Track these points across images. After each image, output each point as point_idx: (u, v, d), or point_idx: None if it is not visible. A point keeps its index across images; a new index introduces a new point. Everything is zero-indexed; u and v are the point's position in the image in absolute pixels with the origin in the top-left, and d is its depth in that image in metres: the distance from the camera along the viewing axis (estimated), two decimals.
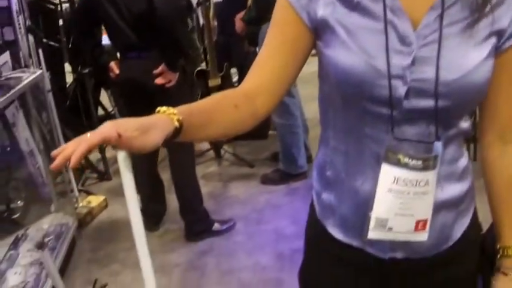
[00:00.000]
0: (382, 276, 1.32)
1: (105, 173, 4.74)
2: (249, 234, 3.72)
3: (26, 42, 4.14)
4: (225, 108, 1.20)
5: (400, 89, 1.12)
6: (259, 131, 4.98)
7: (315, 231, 1.39)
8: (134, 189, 1.05)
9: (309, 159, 4.40)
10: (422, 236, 1.21)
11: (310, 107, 3.51)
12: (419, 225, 1.19)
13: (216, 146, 4.90)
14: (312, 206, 1.40)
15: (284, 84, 1.26)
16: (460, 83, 1.10)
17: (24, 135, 3.87)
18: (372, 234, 1.19)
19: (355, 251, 1.29)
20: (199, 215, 3.71)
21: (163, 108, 1.04)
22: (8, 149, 3.97)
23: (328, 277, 1.40)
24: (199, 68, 4.66)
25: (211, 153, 4.97)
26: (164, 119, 1.03)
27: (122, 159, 1.01)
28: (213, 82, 4.53)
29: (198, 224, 3.69)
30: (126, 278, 3.33)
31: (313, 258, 1.45)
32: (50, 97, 3.96)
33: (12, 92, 3.24)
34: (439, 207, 1.22)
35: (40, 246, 2.83)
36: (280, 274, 3.25)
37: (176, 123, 1.03)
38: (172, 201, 3.93)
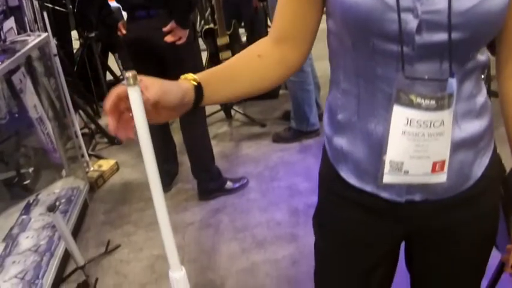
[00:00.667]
0: (399, 219, 1.26)
1: (116, 137, 4.64)
2: (262, 191, 3.64)
3: (30, 7, 4.03)
4: (247, 60, 1.18)
5: (411, 22, 1.02)
6: (269, 91, 4.85)
7: (328, 175, 1.32)
8: (147, 128, 1.01)
9: (321, 117, 4.27)
10: (441, 178, 1.13)
11: (321, 65, 3.39)
12: (437, 166, 1.12)
13: (226, 106, 4.80)
14: (324, 149, 1.34)
15: (308, 28, 1.19)
16: (474, 12, 1.00)
17: (32, 101, 3.79)
18: (388, 178, 1.12)
19: (369, 196, 1.23)
20: (212, 174, 3.62)
21: (182, 76, 1.08)
22: (17, 115, 3.91)
23: (342, 220, 1.34)
24: (207, 27, 4.53)
25: (222, 114, 4.87)
26: (180, 81, 1.08)
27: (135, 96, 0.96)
28: (222, 41, 4.40)
29: (211, 183, 3.62)
30: (139, 238, 3.28)
31: (327, 202, 1.39)
32: (57, 62, 3.86)
33: (17, 55, 3.15)
34: (458, 146, 1.14)
35: (51, 208, 2.78)
36: (294, 229, 3.18)
37: (193, 82, 1.07)
38: (184, 162, 3.85)
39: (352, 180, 1.26)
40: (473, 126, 1.17)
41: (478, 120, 1.18)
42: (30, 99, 3.78)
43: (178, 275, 1.15)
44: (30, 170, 3.94)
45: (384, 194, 1.22)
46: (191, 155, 3.62)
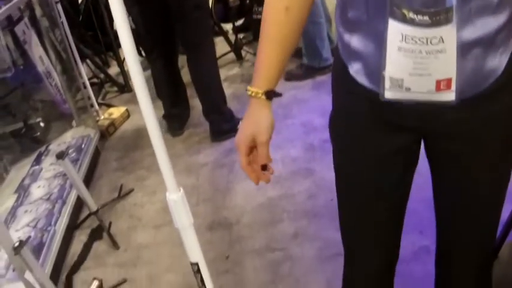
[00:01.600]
0: (412, 117, 1.13)
1: (125, 85, 4.54)
2: (276, 129, 3.40)
3: None
4: (279, 22, 1.14)
5: None
6: None
7: (339, 72, 1.20)
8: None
9: (333, 52, 4.09)
10: (448, 96, 1.01)
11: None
12: (441, 85, 1.00)
13: (236, 48, 4.62)
14: (336, 47, 1.22)
15: None
16: None
17: (37, 52, 3.66)
18: (389, 94, 1.04)
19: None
20: (224, 115, 3.48)
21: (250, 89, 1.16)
22: (22, 67, 3.80)
23: (356, 117, 1.22)
24: None
25: (232, 56, 4.70)
26: (258, 107, 1.17)
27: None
28: None
29: (223, 124, 3.48)
30: (152, 182, 3.18)
31: (340, 102, 1.27)
32: (59, 9, 3.71)
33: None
34: (473, 45, 0.99)
35: (60, 155, 2.68)
36: (310, 164, 3.05)
37: (263, 97, 1.16)
38: (195, 106, 3.72)
39: (361, 79, 1.13)
40: (489, 24, 1.01)
41: (495, 16, 1.02)
42: (36, 50, 3.64)
43: (175, 196, 1.05)
44: (40, 122, 3.84)
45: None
46: (202, 96, 3.48)
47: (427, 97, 1.02)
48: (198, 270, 1.08)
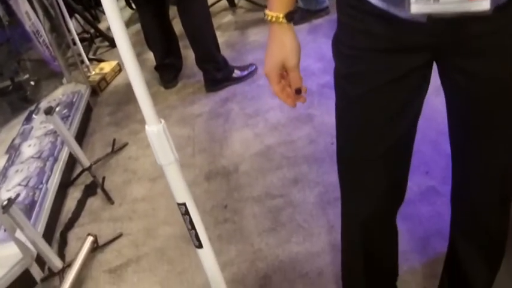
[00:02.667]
0: (427, 33, 0.98)
1: None
2: None
3: None
4: None
5: None
6: None
7: None
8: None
9: None
10: (482, 5, 0.87)
11: None
12: None
13: None
14: None
15: None
16: None
17: (23, 8, 3.49)
18: (415, 8, 0.90)
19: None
20: (218, 64, 3.32)
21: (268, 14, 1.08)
22: (7, 23, 3.64)
23: (363, 37, 1.07)
24: None
25: (225, 3, 4.51)
26: (281, 32, 1.10)
27: None
28: None
29: (218, 73, 3.32)
30: (146, 136, 3.04)
31: (345, 20, 1.11)
32: None
33: None
34: None
35: (48, 111, 2.55)
36: (309, 110, 2.90)
37: (283, 20, 1.08)
38: (188, 56, 3.57)
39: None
40: None
41: None
42: (22, 6, 3.48)
43: (156, 128, 0.92)
44: (30, 81, 3.70)
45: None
46: (194, 45, 3.31)
47: (458, 8, 0.88)
48: (186, 212, 0.95)
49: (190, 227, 0.98)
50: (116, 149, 2.97)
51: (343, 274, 1.53)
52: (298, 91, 1.17)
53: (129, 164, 2.84)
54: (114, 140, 3.01)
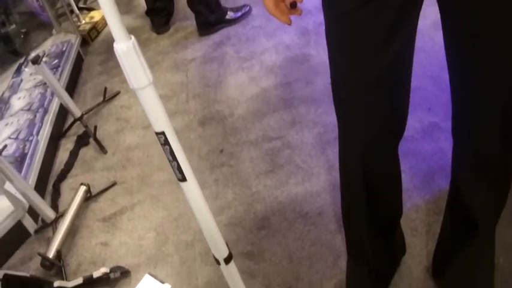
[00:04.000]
0: None
1: None
2: (267, 17, 3.16)
3: None
4: None
5: None
6: None
7: None
8: None
9: None
10: None
11: None
12: None
13: None
14: None
15: None
16: None
17: None
18: None
19: None
20: (210, 6, 3.17)
21: None
22: None
23: None
24: None
25: None
26: None
27: None
28: None
29: (210, 15, 3.18)
30: None
31: None
32: None
33: None
34: None
35: (35, 60, 2.43)
36: (306, 49, 2.78)
37: None
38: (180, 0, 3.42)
39: None
40: None
41: None
42: None
43: (124, 45, 0.80)
44: (19, 33, 3.55)
45: None
46: None
47: None
48: (166, 141, 0.85)
49: (171, 158, 0.88)
50: (108, 97, 2.86)
51: (344, 212, 1.44)
52: (293, 4, 1.08)
53: (121, 113, 2.74)
54: (105, 89, 2.89)
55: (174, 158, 0.90)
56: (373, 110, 1.13)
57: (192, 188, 0.91)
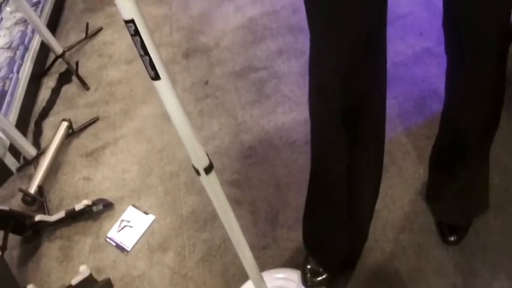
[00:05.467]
0: None
1: None
2: None
3: None
4: None
5: None
6: None
7: None
8: None
9: None
10: None
11: None
12: None
13: None
14: None
15: None
16: None
17: None
18: None
19: None
20: None
21: None
22: None
23: None
24: None
25: None
26: None
27: None
28: None
29: None
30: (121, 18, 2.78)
31: None
32: None
33: None
34: None
35: None
36: None
37: None
38: None
39: None
40: None
41: None
42: None
43: None
44: None
45: None
46: None
47: None
48: (136, 31, 0.74)
49: (142, 52, 0.77)
50: (90, 34, 2.72)
51: (315, 149, 1.22)
52: None
53: (104, 49, 2.60)
54: (87, 25, 2.74)
55: (146, 52, 0.78)
56: (350, 27, 0.98)
57: (166, 88, 0.80)
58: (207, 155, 0.88)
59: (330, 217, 1.27)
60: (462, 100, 1.19)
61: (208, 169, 0.88)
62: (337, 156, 1.14)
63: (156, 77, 0.80)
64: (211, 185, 0.90)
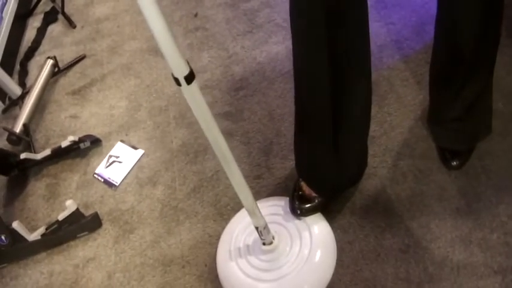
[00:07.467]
0: None
1: None
2: None
3: None
4: None
5: None
6: None
7: None
8: None
9: None
10: None
11: None
12: None
13: None
14: None
15: None
16: None
17: None
18: None
19: None
20: None
21: None
22: None
23: None
24: None
25: None
26: None
27: None
28: None
29: None
30: None
31: None
32: None
33: None
34: None
35: None
36: None
37: None
38: None
39: None
40: None
41: None
42: None
43: None
44: None
45: None
46: None
47: None
48: None
49: None
50: None
51: (297, 71, 1.07)
52: None
53: None
54: None
55: None
56: None
57: None
58: (188, 63, 0.77)
59: (317, 144, 1.16)
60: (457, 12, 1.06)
61: (189, 78, 0.77)
62: (320, 74, 1.01)
63: None
64: (193, 95, 0.80)
